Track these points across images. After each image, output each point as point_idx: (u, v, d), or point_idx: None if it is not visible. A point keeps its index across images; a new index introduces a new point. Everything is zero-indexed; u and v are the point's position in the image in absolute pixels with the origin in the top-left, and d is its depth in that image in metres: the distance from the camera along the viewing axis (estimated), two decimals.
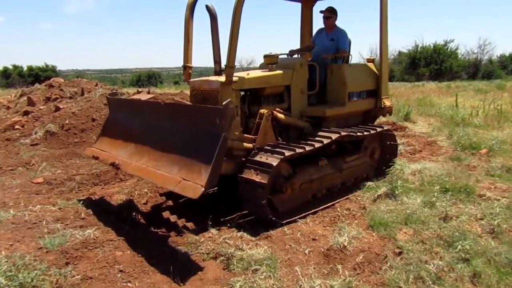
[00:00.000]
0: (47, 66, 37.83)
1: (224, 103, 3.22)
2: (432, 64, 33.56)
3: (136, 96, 4.85)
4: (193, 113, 3.68)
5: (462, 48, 44.97)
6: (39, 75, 34.19)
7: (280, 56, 4.84)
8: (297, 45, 6.35)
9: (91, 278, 3.02)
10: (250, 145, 4.15)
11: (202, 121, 3.48)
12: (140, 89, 11.04)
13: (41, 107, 9.36)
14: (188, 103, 3.80)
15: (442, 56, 33.90)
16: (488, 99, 11.82)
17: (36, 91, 10.97)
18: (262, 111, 4.34)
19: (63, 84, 10.91)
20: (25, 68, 37.12)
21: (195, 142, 3.49)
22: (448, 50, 34.95)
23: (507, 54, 37.63)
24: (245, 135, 4.23)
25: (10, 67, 37.26)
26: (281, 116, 4.51)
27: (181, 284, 2.96)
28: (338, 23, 5.60)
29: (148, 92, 9.80)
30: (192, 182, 3.16)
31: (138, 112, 4.42)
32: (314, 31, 5.99)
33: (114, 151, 4.39)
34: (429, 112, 11.19)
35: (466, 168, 5.77)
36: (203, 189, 3.04)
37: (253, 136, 4.25)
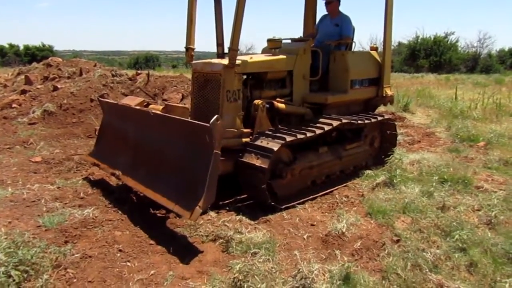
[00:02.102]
0: (44, 46, 37.30)
1: (211, 120, 3.08)
2: (432, 56, 33.40)
3: (124, 101, 4.81)
4: (182, 128, 3.57)
5: (462, 41, 44.83)
6: (35, 55, 33.71)
7: (283, 41, 4.79)
8: (299, 32, 6.30)
9: (90, 256, 3.03)
10: (247, 139, 4.12)
11: (192, 137, 3.41)
12: (139, 71, 10.92)
13: (39, 86, 9.24)
14: (177, 117, 3.73)
15: (442, 48, 33.71)
16: (487, 93, 11.81)
17: (33, 70, 10.83)
18: (256, 102, 4.30)
19: (61, 64, 10.77)
20: (21, 48, 36.62)
21: (187, 158, 3.44)
22: (448, 42, 34.77)
23: (506, 49, 37.58)
24: (242, 129, 4.19)
25: (6, 46, 36.73)
26: (282, 106, 4.49)
27: (180, 265, 2.98)
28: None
29: (148, 75, 9.70)
30: (189, 204, 3.13)
31: (130, 119, 4.34)
32: (318, 18, 5.93)
33: (113, 158, 4.37)
34: (428, 104, 11.18)
35: (464, 160, 5.80)
36: (201, 210, 3.05)
37: (250, 130, 4.23)
